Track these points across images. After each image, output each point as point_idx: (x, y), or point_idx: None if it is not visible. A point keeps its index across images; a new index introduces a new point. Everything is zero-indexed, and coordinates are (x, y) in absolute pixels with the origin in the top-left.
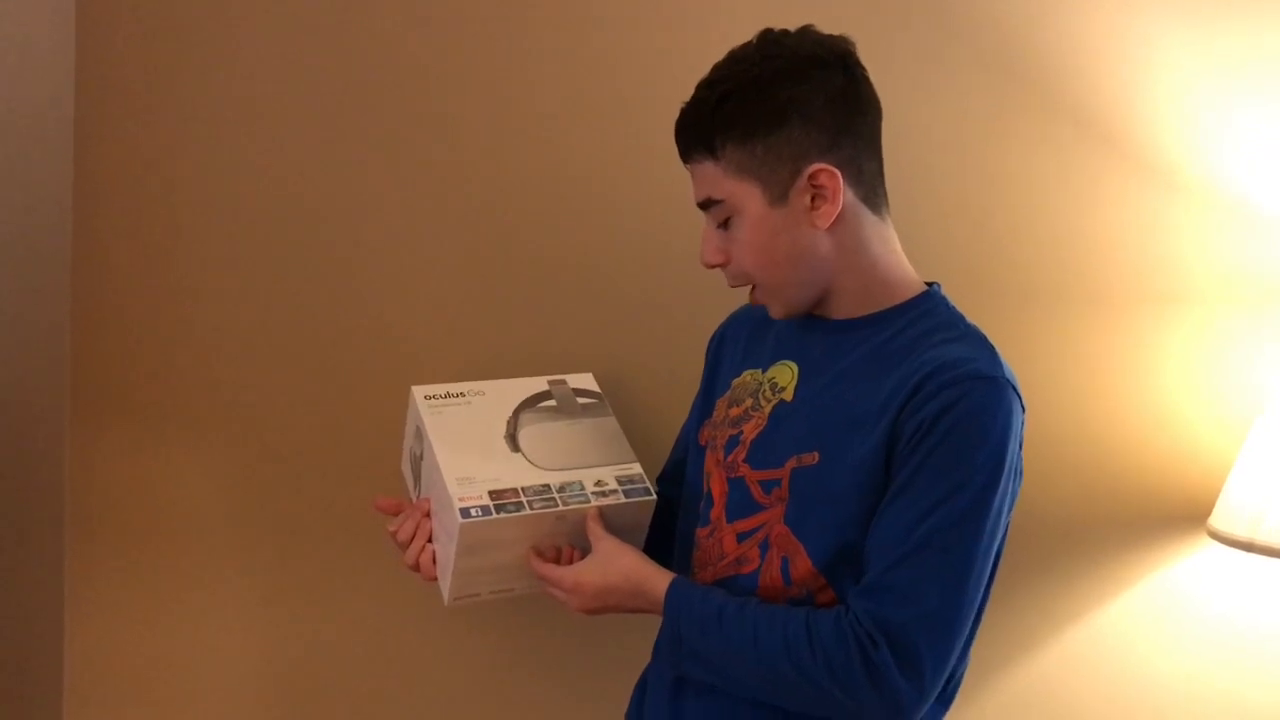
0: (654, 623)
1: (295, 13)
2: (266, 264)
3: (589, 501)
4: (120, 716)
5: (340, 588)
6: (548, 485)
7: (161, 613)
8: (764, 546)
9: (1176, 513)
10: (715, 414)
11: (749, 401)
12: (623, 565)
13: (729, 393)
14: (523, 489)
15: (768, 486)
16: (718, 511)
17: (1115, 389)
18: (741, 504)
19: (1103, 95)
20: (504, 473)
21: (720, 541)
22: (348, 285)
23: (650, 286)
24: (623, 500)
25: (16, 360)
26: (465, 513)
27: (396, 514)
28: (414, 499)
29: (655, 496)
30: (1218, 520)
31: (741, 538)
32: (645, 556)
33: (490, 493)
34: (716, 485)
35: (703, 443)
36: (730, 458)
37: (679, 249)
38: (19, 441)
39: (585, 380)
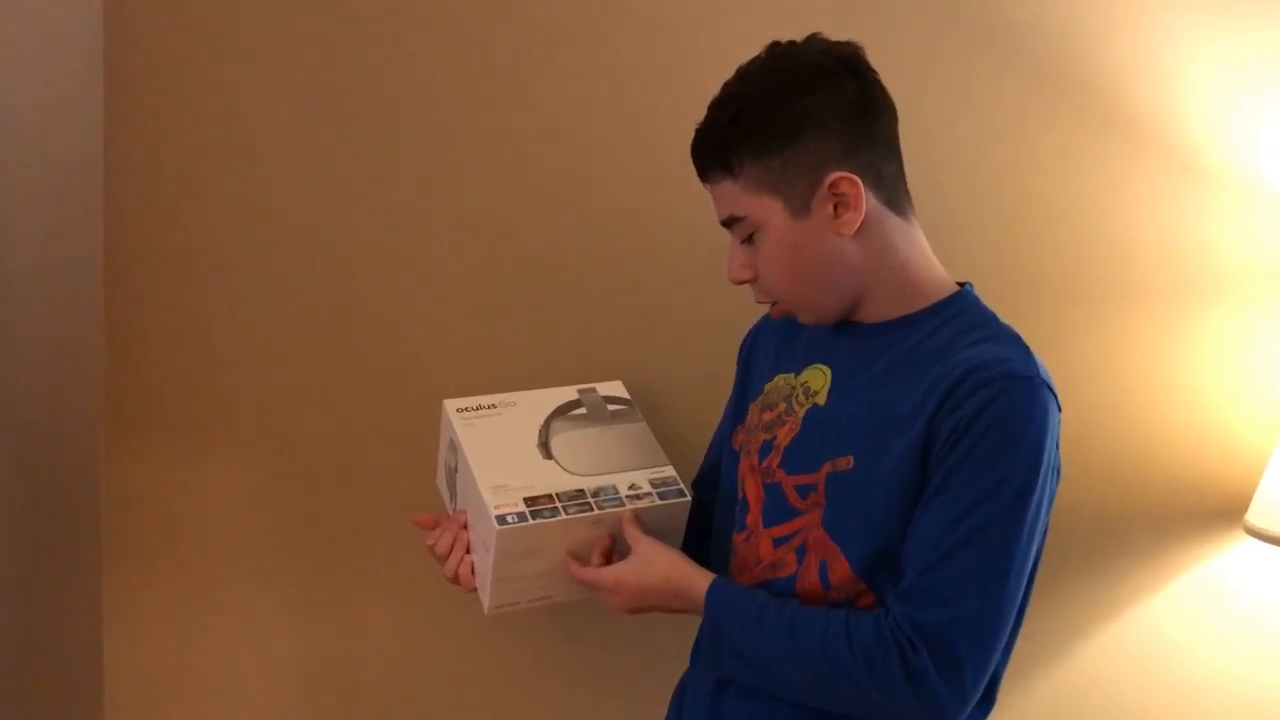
0: (690, 628)
1: (326, 18)
2: (298, 276)
3: (624, 505)
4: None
5: (372, 597)
6: (582, 490)
7: (198, 622)
8: (801, 551)
9: (1213, 509)
10: (749, 419)
11: (782, 406)
12: (662, 566)
13: (762, 397)
14: (557, 495)
15: (804, 492)
16: (754, 517)
17: (1150, 384)
18: (778, 509)
19: (1133, 90)
20: (538, 480)
21: (756, 546)
22: (379, 298)
23: (678, 291)
24: (657, 502)
25: (51, 374)
26: (501, 519)
27: (434, 529)
28: (450, 514)
29: (690, 498)
30: (1254, 516)
31: (778, 543)
32: (685, 557)
33: (525, 500)
34: (752, 490)
35: (736, 447)
36: (765, 463)
37: (706, 254)
38: (55, 455)
39: (615, 388)
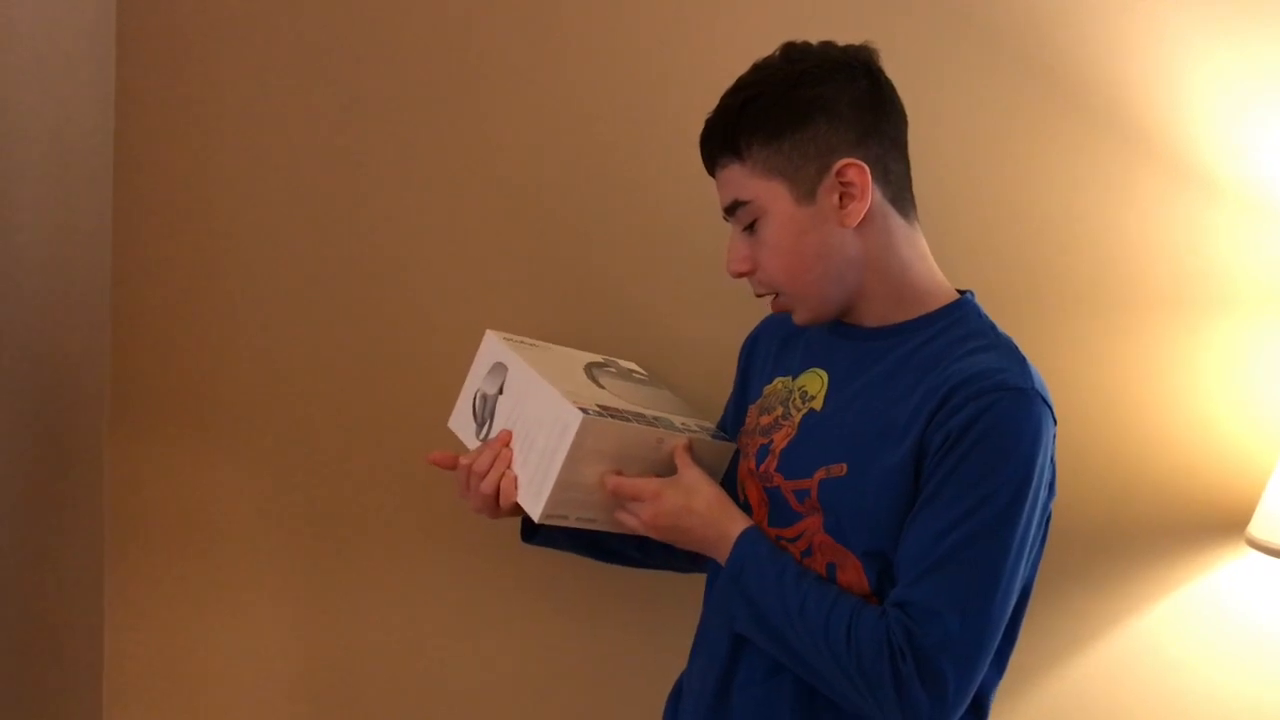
0: (687, 628)
1: (334, 18)
2: (302, 269)
3: (682, 433)
4: (158, 714)
5: (374, 590)
6: (643, 413)
7: (198, 612)
8: (805, 554)
9: (1215, 521)
10: (747, 421)
11: (779, 410)
12: (708, 494)
13: (760, 400)
14: (624, 410)
15: (800, 496)
16: (757, 519)
17: (1153, 395)
18: (781, 513)
19: (1139, 99)
20: (603, 398)
21: None
22: (383, 288)
23: (683, 287)
24: (710, 439)
25: (57, 364)
26: (584, 410)
27: (451, 468)
28: (473, 448)
29: (736, 444)
30: (1256, 529)
31: (780, 540)
32: (728, 495)
33: (598, 405)
34: (754, 494)
35: (737, 449)
36: (762, 467)
37: (710, 250)
38: (59, 445)
39: (632, 365)
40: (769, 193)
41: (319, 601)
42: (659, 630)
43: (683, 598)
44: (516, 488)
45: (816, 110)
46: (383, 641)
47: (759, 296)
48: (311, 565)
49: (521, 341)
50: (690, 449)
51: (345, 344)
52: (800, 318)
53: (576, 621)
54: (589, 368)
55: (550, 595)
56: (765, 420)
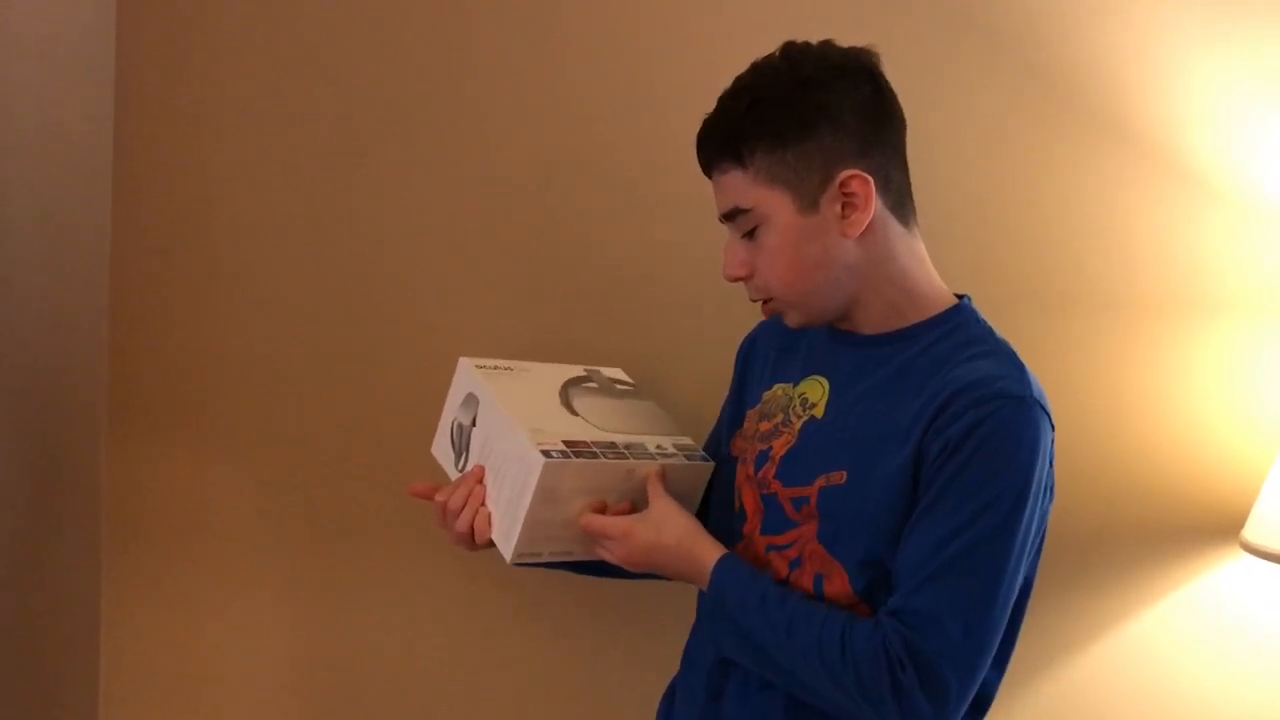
0: (683, 629)
1: (333, 18)
2: (301, 270)
3: (655, 460)
4: (154, 714)
5: (374, 590)
6: (614, 443)
7: (196, 614)
8: (795, 563)
9: (1209, 524)
10: (746, 426)
11: (779, 417)
12: (678, 527)
13: (759, 406)
14: (593, 442)
15: (798, 504)
16: (751, 526)
17: (1148, 398)
18: (775, 520)
19: (1137, 102)
20: (573, 429)
21: (750, 553)
22: (382, 289)
23: (677, 287)
24: (684, 463)
25: (54, 363)
26: (546, 454)
27: (431, 498)
28: (453, 478)
29: (713, 463)
30: (1250, 532)
31: (770, 549)
32: (700, 525)
33: (565, 442)
34: (750, 501)
35: (734, 454)
36: (760, 473)
37: (703, 251)
38: (57, 443)
39: (616, 373)
40: (771, 201)
41: (318, 602)
42: (656, 631)
43: (679, 599)
44: (490, 524)
45: (821, 119)
46: (382, 641)
47: (754, 301)
48: (311, 565)
49: (495, 367)
50: (663, 477)
51: (344, 344)
52: (793, 321)
53: (574, 621)
54: (566, 387)
55: (548, 595)
56: (765, 426)
